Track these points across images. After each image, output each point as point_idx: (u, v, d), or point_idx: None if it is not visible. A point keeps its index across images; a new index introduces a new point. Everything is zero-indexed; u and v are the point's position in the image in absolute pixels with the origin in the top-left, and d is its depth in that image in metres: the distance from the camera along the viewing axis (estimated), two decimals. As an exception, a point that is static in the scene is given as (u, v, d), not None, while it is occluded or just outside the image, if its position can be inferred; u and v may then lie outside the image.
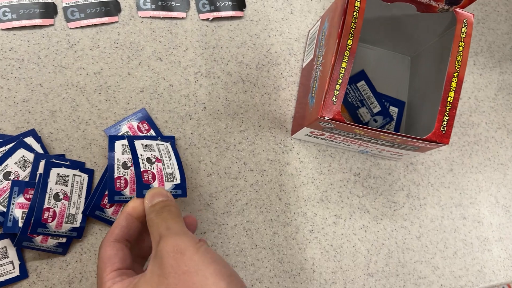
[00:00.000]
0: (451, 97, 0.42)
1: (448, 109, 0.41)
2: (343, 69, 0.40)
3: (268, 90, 0.52)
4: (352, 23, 0.40)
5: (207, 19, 0.52)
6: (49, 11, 0.47)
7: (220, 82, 0.51)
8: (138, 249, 0.38)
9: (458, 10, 0.43)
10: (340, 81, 0.40)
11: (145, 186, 0.41)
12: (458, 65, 0.42)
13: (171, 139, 0.46)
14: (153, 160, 0.43)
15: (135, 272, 0.35)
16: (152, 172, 0.42)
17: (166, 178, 0.43)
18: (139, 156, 0.42)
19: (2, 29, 0.46)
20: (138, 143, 0.43)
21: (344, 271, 0.49)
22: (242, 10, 0.53)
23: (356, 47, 0.40)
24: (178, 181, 0.43)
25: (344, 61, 0.40)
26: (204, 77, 0.50)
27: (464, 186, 0.56)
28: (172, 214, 0.34)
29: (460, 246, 0.54)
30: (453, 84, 0.42)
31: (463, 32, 0.43)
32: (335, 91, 0.39)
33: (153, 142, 0.45)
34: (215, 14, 0.52)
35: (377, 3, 0.43)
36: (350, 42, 0.40)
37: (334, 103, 0.39)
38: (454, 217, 0.55)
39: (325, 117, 0.40)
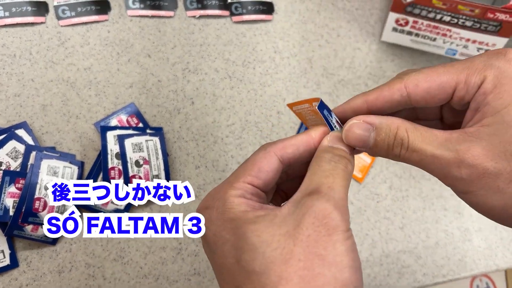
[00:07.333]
0: None
1: None
2: None
3: (254, 87, 0.54)
4: None
5: (194, 17, 0.54)
6: (41, 9, 0.49)
7: (207, 78, 0.52)
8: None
9: None
10: None
11: None
12: None
13: (159, 131, 0.47)
14: (141, 162, 0.45)
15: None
16: (139, 176, 0.44)
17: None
18: (128, 160, 0.44)
19: (-6, 26, 0.47)
20: (128, 143, 0.45)
21: (329, 260, 0.51)
22: (228, 10, 0.55)
23: None
24: None
25: None
26: (192, 73, 0.52)
27: (444, 179, 0.58)
28: (345, 173, 0.27)
29: (442, 236, 0.56)
30: None
31: None
32: None
33: (142, 139, 0.46)
34: (202, 12, 0.53)
35: None
36: None
37: None
38: (435, 208, 0.57)
39: None
